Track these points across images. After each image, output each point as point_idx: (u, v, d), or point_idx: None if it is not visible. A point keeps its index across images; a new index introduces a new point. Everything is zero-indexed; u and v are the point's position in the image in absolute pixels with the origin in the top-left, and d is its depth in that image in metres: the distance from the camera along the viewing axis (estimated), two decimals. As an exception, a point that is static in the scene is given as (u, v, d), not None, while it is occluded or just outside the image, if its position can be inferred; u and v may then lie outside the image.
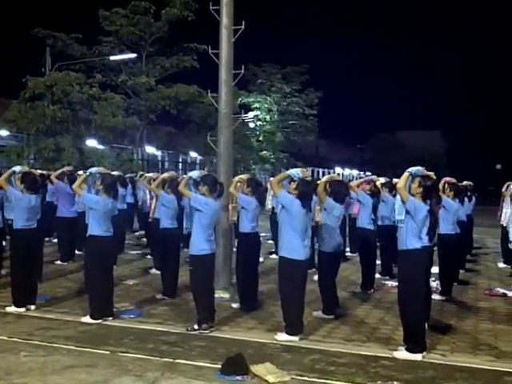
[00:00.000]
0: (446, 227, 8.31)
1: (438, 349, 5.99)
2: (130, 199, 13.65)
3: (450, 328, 6.82)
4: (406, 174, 5.82)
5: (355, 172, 54.99)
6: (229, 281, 8.69)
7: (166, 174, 8.64)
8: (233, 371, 5.00)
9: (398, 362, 5.55)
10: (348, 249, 12.39)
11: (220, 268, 8.53)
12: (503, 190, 10.75)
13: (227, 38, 8.80)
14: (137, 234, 15.29)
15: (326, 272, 7.31)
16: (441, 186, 8.08)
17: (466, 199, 10.91)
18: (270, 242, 13.26)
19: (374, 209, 9.14)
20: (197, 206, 6.40)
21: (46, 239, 12.04)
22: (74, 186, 7.17)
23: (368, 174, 35.54)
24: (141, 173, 15.84)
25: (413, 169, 5.86)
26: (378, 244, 9.74)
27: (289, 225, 6.19)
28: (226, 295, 8.12)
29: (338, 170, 52.64)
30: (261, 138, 31.26)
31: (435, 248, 8.01)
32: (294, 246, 6.16)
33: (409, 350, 5.70)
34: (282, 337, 6.16)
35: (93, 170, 7.23)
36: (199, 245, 6.40)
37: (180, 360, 5.42)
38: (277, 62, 30.77)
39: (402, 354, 5.70)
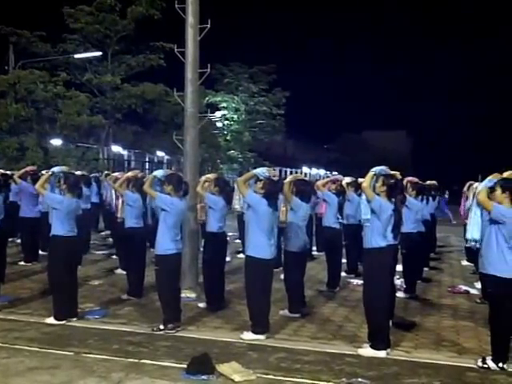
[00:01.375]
0: (410, 226, 8.41)
1: (401, 345, 6.08)
2: (95, 199, 13.50)
3: (414, 325, 6.93)
4: (370, 174, 5.88)
5: (322, 171, 55.37)
6: (195, 280, 8.66)
7: (130, 173, 8.56)
8: (198, 371, 4.98)
9: (363, 359, 5.61)
10: (315, 248, 12.48)
11: (187, 268, 8.50)
12: (465, 189, 10.97)
13: (193, 36, 8.76)
14: (102, 233, 15.12)
15: (293, 271, 7.35)
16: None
17: (430, 198, 11.13)
18: (238, 241, 13.27)
19: (340, 208, 9.22)
20: (162, 206, 6.36)
21: (10, 240, 11.79)
22: (36, 186, 7.05)
23: (335, 173, 35.80)
24: (106, 172, 15.68)
25: (377, 168, 5.93)
26: (343, 243, 9.84)
27: (255, 224, 6.20)
28: (193, 295, 8.10)
29: (306, 169, 52.99)
30: (228, 138, 31.22)
31: (399, 246, 8.11)
32: (261, 245, 6.18)
33: (373, 347, 5.77)
34: (249, 336, 6.17)
35: (55, 169, 7.11)
36: (165, 244, 6.36)
37: (145, 360, 5.38)
38: (244, 62, 30.82)
39: (366, 351, 5.77)
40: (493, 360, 5.37)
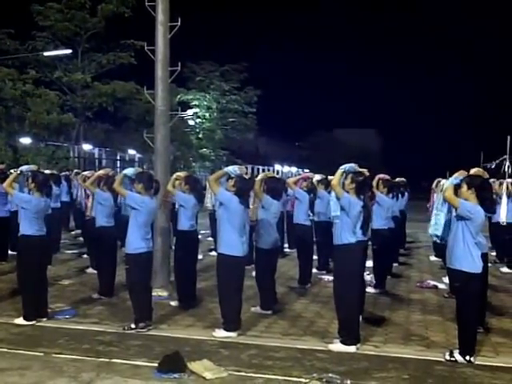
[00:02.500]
0: (380, 222, 8.54)
1: (371, 340, 6.16)
2: (65, 198, 13.33)
3: (384, 320, 7.03)
4: (339, 172, 5.95)
5: (294, 169, 55.53)
6: (167, 279, 8.64)
7: (101, 172, 8.49)
8: (170, 369, 4.98)
9: (333, 354, 5.67)
10: (286, 245, 12.55)
11: (158, 266, 8.47)
12: (433, 186, 11.15)
13: (163, 34, 8.73)
14: (73, 233, 14.96)
15: (264, 268, 7.38)
16: (375, 183, 8.31)
17: (399, 195, 11.28)
18: (210, 239, 13.26)
19: (311, 205, 9.29)
20: (132, 205, 6.33)
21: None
22: (4, 185, 6.95)
23: (306, 170, 35.99)
24: (76, 170, 15.51)
25: (346, 166, 6.00)
26: (314, 239, 9.93)
27: (227, 222, 6.21)
28: (165, 293, 8.08)
29: (278, 167, 53.07)
30: (200, 136, 31.16)
31: (369, 242, 8.22)
32: (232, 243, 6.19)
33: (343, 342, 5.84)
34: (220, 333, 6.19)
35: (24, 168, 7.01)
36: (136, 243, 6.33)
37: (116, 360, 5.35)
38: (216, 60, 30.77)
39: (336, 346, 5.84)
40: (460, 353, 5.48)
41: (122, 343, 5.85)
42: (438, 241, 5.87)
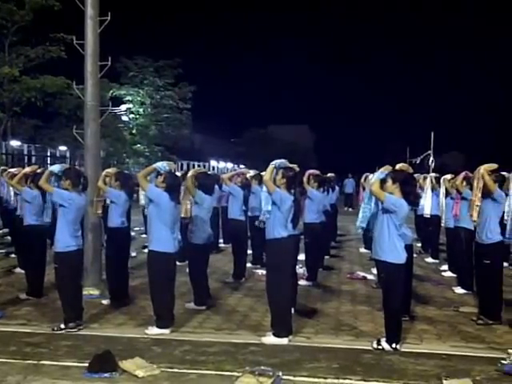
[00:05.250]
0: (312, 216, 8.71)
1: (303, 332, 6.29)
2: (-9, 196, 12.83)
3: (315, 311, 7.19)
4: (270, 167, 6.03)
5: (230, 165, 55.61)
6: (99, 277, 8.50)
7: (27, 169, 8.24)
8: (100, 368, 4.92)
9: (266, 347, 5.75)
10: (221, 240, 12.59)
11: (89, 264, 8.32)
12: (362, 180, 11.46)
13: (92, 28, 8.56)
14: (0, 232, 14.44)
15: (197, 264, 7.38)
16: (305, 178, 8.47)
17: (330, 189, 11.53)
18: (144, 236, 13.09)
19: (245, 200, 9.37)
20: (60, 202, 6.19)
21: None
22: None
23: (242, 166, 36.11)
24: (3, 168, 14.94)
25: (277, 161, 6.09)
26: (249, 234, 10.01)
27: (158, 218, 6.17)
28: (96, 292, 7.94)
29: (213, 162, 53.02)
30: (134, 132, 30.63)
31: (302, 236, 8.37)
32: (164, 239, 6.16)
33: (276, 334, 5.93)
34: (153, 330, 6.15)
35: None
36: (64, 241, 6.18)
37: (45, 361, 5.23)
38: (149, 56, 30.31)
39: (269, 339, 5.92)
40: (387, 341, 5.67)
41: (50, 344, 5.72)
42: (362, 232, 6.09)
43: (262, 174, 8.77)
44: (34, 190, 7.84)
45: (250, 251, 10.21)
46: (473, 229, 7.34)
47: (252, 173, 9.88)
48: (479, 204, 6.70)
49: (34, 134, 28.19)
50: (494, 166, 6.72)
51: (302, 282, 8.30)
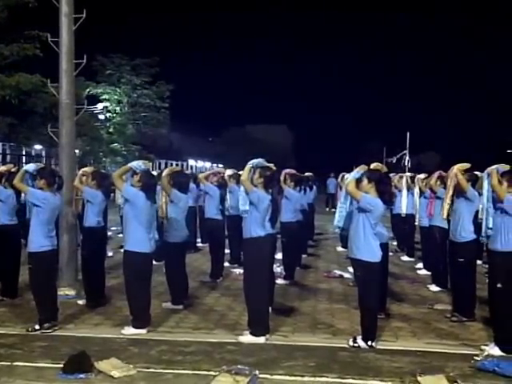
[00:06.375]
0: (289, 215, 8.74)
1: (280, 330, 6.31)
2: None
3: (292, 310, 7.22)
4: (248, 167, 6.04)
5: (208, 164, 55.51)
6: (75, 277, 8.42)
7: (2, 168, 8.11)
8: (75, 369, 4.86)
9: (243, 346, 5.76)
10: (199, 239, 12.56)
11: (65, 264, 8.25)
12: (339, 180, 11.54)
13: (67, 26, 8.48)
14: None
15: (173, 263, 7.36)
16: (282, 178, 8.49)
17: (307, 189, 11.58)
18: (121, 235, 13.00)
19: (222, 200, 9.37)
20: (34, 201, 6.12)
21: None
22: None
23: (220, 166, 36.08)
24: (-24, 167, 14.70)
25: (254, 161, 6.11)
26: (226, 233, 10.01)
27: (134, 218, 6.13)
28: (72, 292, 7.87)
29: (192, 162, 52.86)
30: (111, 130, 30.36)
31: (279, 235, 8.39)
32: (140, 239, 6.13)
33: (253, 333, 5.94)
34: (129, 331, 6.12)
35: None
36: (39, 241, 6.12)
37: (19, 362, 5.15)
38: (126, 54, 30.06)
39: (246, 338, 5.93)
40: (363, 339, 5.73)
41: (25, 345, 5.64)
42: (339, 231, 6.12)
43: (240, 173, 8.82)
44: (8, 190, 7.72)
45: (227, 250, 10.20)
46: (447, 227, 7.44)
47: (230, 172, 9.88)
48: (449, 202, 6.80)
49: (8, 133, 27.73)
50: (467, 165, 6.81)
51: (279, 281, 8.33)
